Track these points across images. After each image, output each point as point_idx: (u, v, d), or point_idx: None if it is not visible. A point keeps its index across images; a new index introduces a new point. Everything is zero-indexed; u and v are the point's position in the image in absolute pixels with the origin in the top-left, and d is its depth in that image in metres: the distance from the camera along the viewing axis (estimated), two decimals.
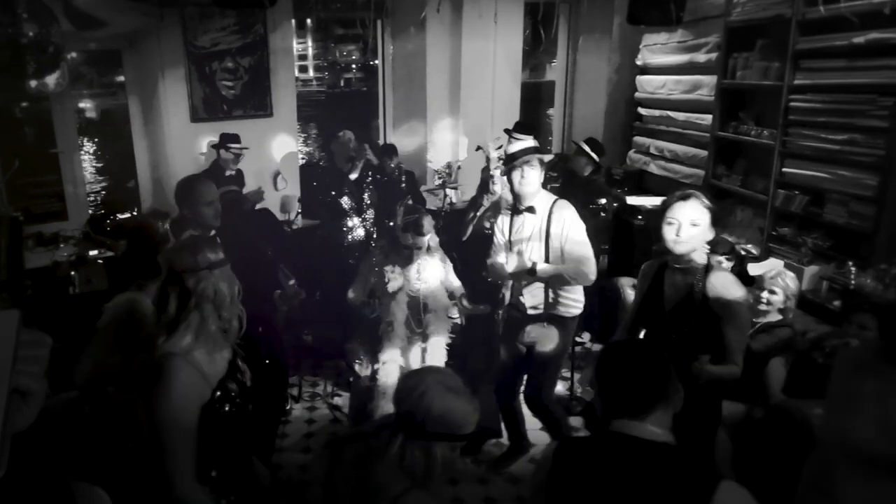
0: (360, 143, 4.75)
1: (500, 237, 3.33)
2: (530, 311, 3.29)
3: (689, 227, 2.41)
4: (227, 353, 1.97)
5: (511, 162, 3.11)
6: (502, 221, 3.32)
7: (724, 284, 2.44)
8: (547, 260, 3.14)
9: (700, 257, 2.49)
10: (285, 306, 3.51)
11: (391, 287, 3.22)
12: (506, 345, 3.47)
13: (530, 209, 3.16)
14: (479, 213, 3.97)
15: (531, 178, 3.09)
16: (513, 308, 3.39)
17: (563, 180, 5.15)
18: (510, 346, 3.44)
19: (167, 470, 1.77)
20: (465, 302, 3.42)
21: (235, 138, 4.79)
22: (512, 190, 3.20)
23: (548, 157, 3.22)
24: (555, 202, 3.17)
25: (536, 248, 3.16)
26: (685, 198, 2.45)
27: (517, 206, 3.21)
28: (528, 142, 3.16)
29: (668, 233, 2.45)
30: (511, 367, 3.48)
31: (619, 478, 1.50)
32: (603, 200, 4.31)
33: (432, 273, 3.35)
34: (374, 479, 1.57)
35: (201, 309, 1.88)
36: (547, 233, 3.13)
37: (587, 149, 4.80)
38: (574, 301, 3.26)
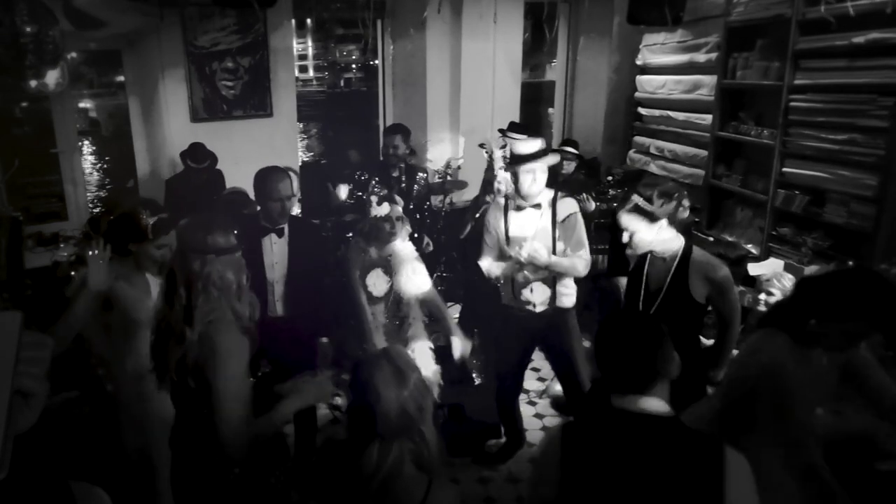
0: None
1: (494, 236, 3.27)
2: (539, 308, 3.24)
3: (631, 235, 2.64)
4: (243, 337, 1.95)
5: (521, 163, 3.06)
6: (496, 219, 3.27)
7: (707, 265, 2.59)
8: (553, 253, 3.12)
9: (676, 245, 2.63)
10: None
11: (377, 291, 3.23)
12: (509, 345, 3.41)
13: (536, 205, 3.15)
14: (480, 213, 4.01)
15: (541, 180, 3.09)
16: (513, 308, 3.32)
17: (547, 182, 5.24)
18: (514, 346, 3.39)
19: (223, 425, 1.82)
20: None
21: (196, 156, 4.54)
22: (517, 190, 3.15)
23: (556, 159, 3.22)
24: (555, 195, 3.17)
25: (541, 243, 3.13)
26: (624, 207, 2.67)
27: (520, 204, 3.18)
28: (538, 143, 3.11)
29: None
30: (516, 368, 3.47)
31: (630, 456, 1.52)
32: (584, 195, 4.49)
33: (409, 273, 3.28)
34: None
35: (208, 293, 1.87)
36: (553, 226, 3.13)
37: (567, 149, 5.04)
38: (571, 291, 3.28)
